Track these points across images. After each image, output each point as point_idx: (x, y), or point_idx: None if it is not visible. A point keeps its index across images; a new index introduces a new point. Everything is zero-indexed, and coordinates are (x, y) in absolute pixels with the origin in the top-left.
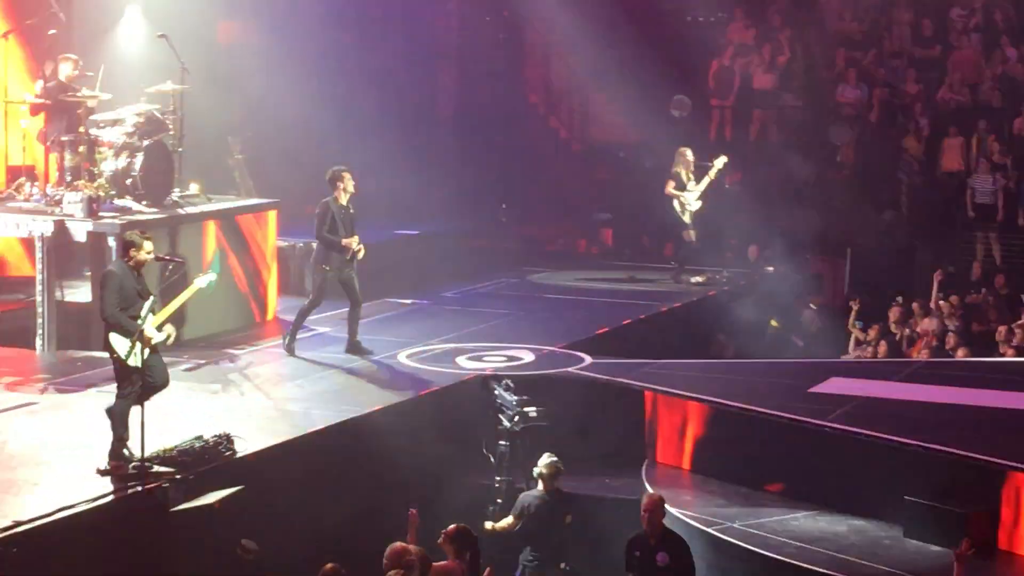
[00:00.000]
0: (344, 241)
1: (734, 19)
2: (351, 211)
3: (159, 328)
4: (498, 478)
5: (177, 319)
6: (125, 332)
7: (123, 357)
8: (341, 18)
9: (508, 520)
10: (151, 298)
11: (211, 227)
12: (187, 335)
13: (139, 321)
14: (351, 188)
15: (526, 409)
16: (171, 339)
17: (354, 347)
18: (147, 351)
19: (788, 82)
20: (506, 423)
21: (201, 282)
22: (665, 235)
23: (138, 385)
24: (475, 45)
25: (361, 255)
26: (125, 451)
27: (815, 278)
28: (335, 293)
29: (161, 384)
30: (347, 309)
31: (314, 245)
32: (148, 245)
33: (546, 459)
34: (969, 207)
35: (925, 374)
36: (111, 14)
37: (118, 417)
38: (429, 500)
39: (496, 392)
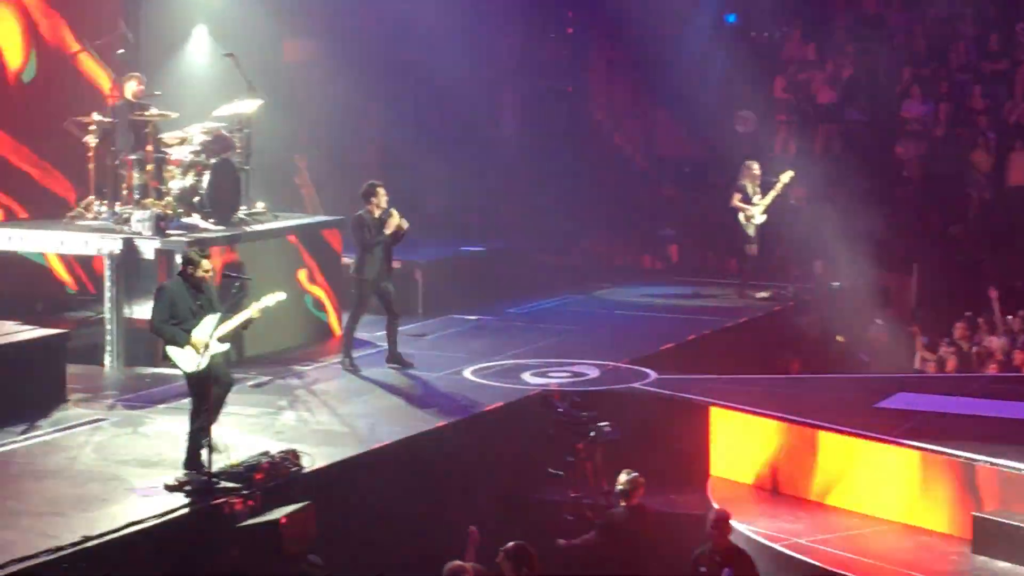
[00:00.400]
0: (388, 226)
1: (797, 34)
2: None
3: (222, 340)
4: (572, 494)
5: (243, 335)
6: (174, 343)
7: (181, 367)
8: (406, 37)
9: (587, 536)
10: (217, 315)
11: (277, 244)
12: (253, 351)
13: (190, 329)
14: (383, 203)
15: (600, 424)
16: (227, 348)
17: (395, 357)
18: (206, 357)
19: (852, 97)
20: (577, 439)
21: (269, 301)
22: (730, 250)
23: (209, 396)
24: (539, 62)
25: (406, 226)
26: (202, 457)
27: (881, 293)
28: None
29: (226, 385)
30: (410, 325)
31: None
32: (206, 264)
33: (625, 476)
34: None
35: (992, 389)
36: (179, 34)
37: (196, 434)
38: (495, 517)
39: (560, 410)
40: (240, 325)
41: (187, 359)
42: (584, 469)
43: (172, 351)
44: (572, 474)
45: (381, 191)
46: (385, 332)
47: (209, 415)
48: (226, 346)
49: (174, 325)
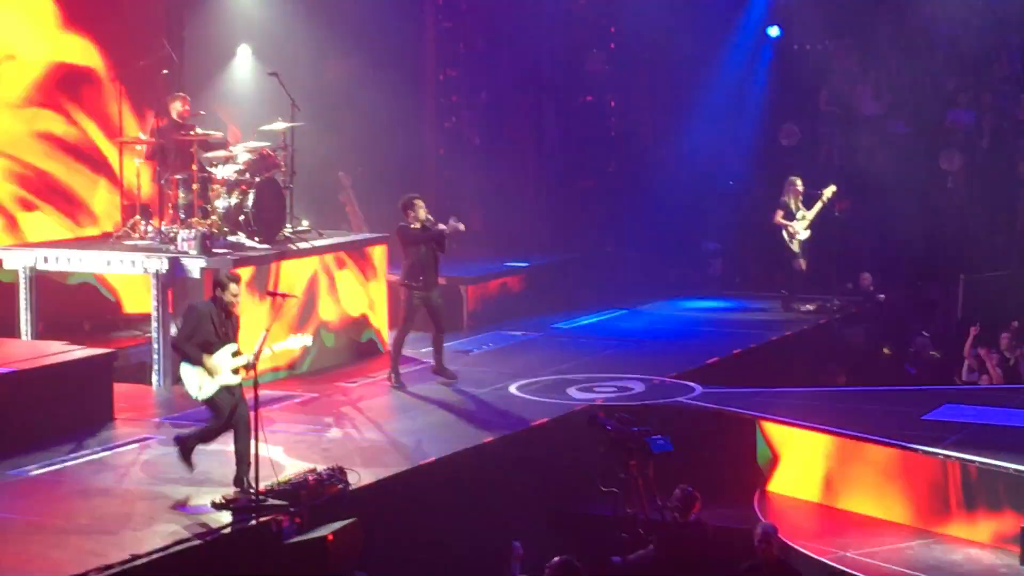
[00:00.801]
0: (449, 225)
1: (842, 46)
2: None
3: (235, 371)
4: (629, 510)
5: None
6: (191, 362)
7: (187, 388)
8: (448, 52)
9: (644, 552)
10: (231, 344)
11: (322, 261)
12: (300, 369)
13: (209, 353)
14: (423, 215)
15: (655, 437)
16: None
17: (441, 370)
18: (217, 385)
19: (897, 108)
20: (629, 455)
21: (293, 343)
22: (775, 264)
23: (226, 419)
24: (581, 76)
25: (462, 227)
26: (245, 480)
27: (928, 305)
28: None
29: (239, 420)
30: (455, 342)
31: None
32: (233, 288)
33: (680, 491)
34: None
35: None
36: (223, 53)
37: (190, 444)
38: (542, 532)
39: (608, 427)
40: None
41: (194, 383)
42: (637, 485)
43: (184, 371)
44: (625, 491)
45: (419, 203)
46: (432, 345)
47: (215, 433)
48: (239, 379)
49: (197, 346)
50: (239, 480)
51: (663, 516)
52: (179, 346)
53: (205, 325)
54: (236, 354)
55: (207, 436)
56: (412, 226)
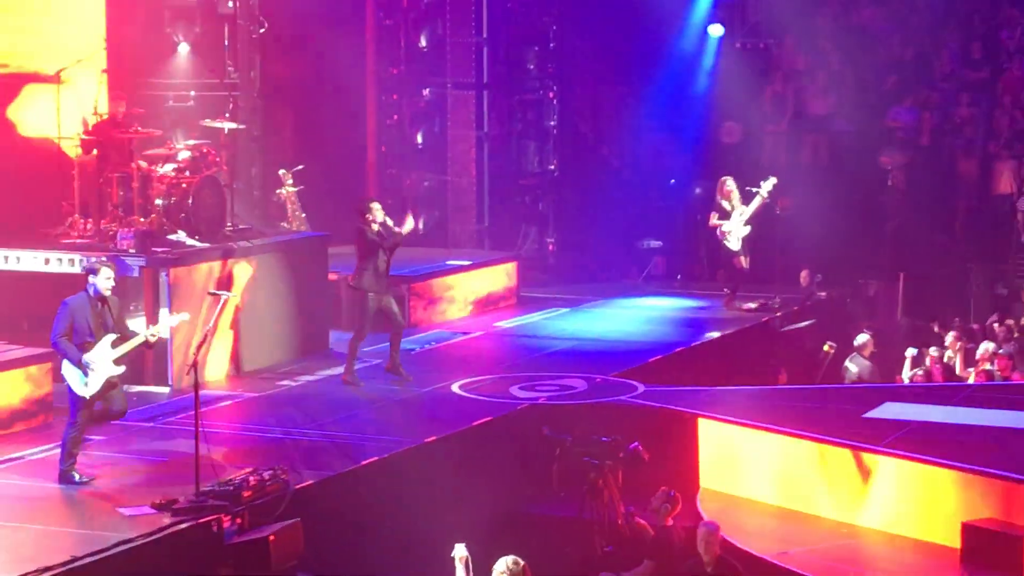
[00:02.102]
0: (404, 229)
1: (785, 45)
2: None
3: (116, 362)
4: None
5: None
6: (68, 359)
7: (73, 387)
8: (388, 51)
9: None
10: (113, 336)
11: (263, 260)
12: (241, 368)
13: (89, 349)
14: (380, 217)
15: (630, 446)
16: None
17: (395, 368)
18: (99, 381)
19: (840, 107)
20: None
21: (169, 322)
22: (717, 262)
23: (85, 415)
24: (522, 71)
25: (421, 227)
26: (74, 474)
27: (868, 302)
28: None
29: (119, 411)
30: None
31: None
32: (106, 272)
33: (662, 495)
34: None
35: (979, 398)
36: (163, 51)
37: (68, 445)
38: (485, 533)
39: (569, 439)
40: (135, 347)
41: (78, 380)
42: (602, 498)
43: (66, 369)
44: (587, 498)
45: (376, 206)
46: (389, 342)
47: (83, 428)
48: (121, 369)
49: (76, 343)
50: (64, 477)
51: (628, 522)
52: (57, 346)
53: (78, 319)
54: (116, 343)
55: (77, 439)
56: (371, 228)
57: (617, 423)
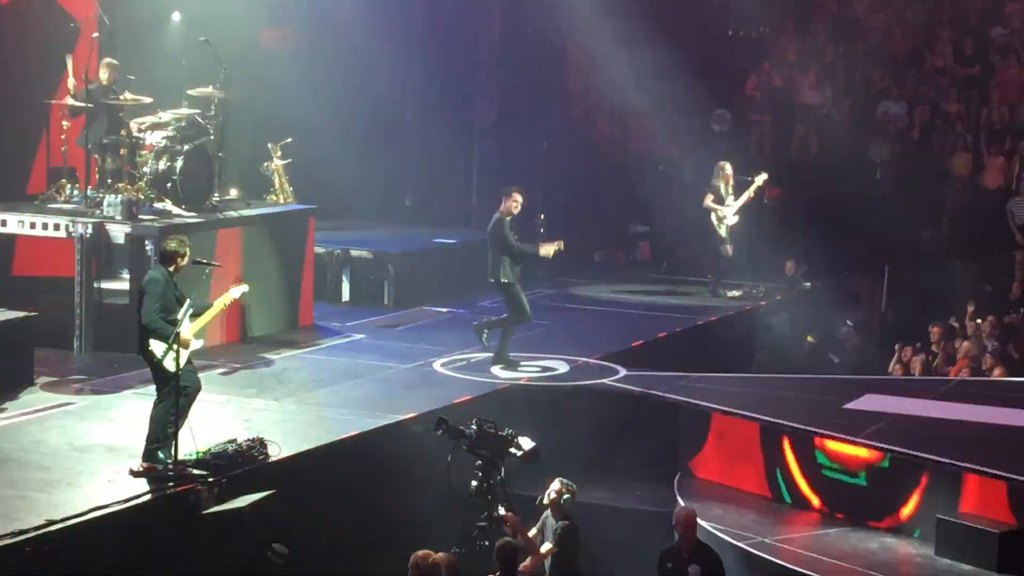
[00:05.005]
0: (543, 251)
1: (777, 34)
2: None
3: (196, 335)
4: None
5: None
6: (163, 338)
7: (162, 361)
8: (383, 28)
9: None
10: (188, 302)
11: (249, 232)
12: (223, 339)
13: (176, 326)
14: (517, 210)
15: (521, 440)
16: (202, 345)
17: (500, 359)
18: (184, 355)
19: (830, 98)
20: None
21: (235, 293)
22: (703, 249)
23: (176, 390)
24: (516, 55)
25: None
26: (160, 454)
27: (853, 295)
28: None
29: (195, 390)
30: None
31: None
32: (188, 252)
33: (559, 483)
34: (1015, 230)
35: (960, 393)
36: (154, 18)
37: (158, 421)
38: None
39: (469, 431)
40: (214, 318)
41: (171, 358)
42: (495, 493)
43: (157, 346)
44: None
45: (518, 198)
46: (503, 333)
47: (174, 404)
48: (201, 342)
49: (163, 317)
50: (151, 455)
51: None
52: (155, 324)
53: (168, 295)
54: (195, 316)
55: (173, 422)
56: (507, 224)
57: (597, 406)
